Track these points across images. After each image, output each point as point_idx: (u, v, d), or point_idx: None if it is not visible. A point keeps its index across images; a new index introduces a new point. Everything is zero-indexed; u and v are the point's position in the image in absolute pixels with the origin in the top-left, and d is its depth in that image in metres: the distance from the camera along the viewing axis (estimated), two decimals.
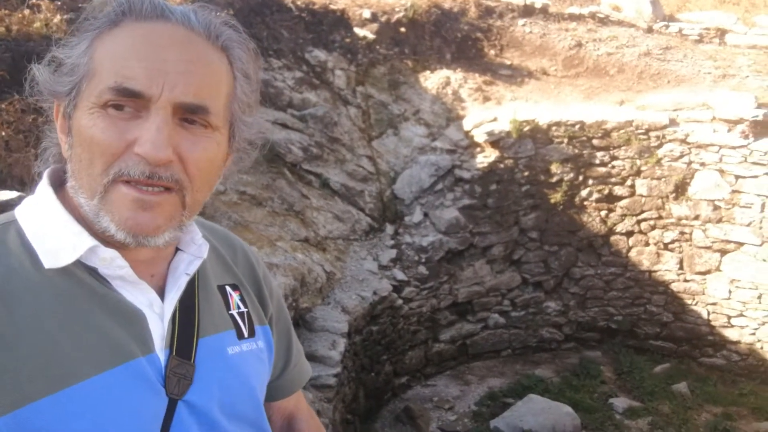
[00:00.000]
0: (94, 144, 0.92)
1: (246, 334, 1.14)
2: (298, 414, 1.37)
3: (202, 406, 1.02)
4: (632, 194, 7.25)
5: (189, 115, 0.95)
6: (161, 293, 1.04)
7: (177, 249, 1.08)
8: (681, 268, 7.25)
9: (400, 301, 6.25)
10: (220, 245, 1.22)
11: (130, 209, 0.93)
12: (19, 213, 1.01)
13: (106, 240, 0.97)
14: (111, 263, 0.97)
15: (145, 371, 0.97)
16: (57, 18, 4.84)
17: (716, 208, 7.01)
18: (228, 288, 1.17)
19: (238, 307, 1.16)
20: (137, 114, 0.92)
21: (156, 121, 0.91)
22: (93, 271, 0.98)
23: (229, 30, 1.01)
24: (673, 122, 7.08)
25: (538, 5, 8.84)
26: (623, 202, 7.25)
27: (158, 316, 1.02)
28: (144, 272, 1.03)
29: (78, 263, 0.97)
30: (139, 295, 1.01)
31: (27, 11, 4.85)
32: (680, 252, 7.24)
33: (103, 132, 0.91)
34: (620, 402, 6.34)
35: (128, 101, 0.92)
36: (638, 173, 7.18)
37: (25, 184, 3.47)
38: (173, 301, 1.04)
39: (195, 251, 1.08)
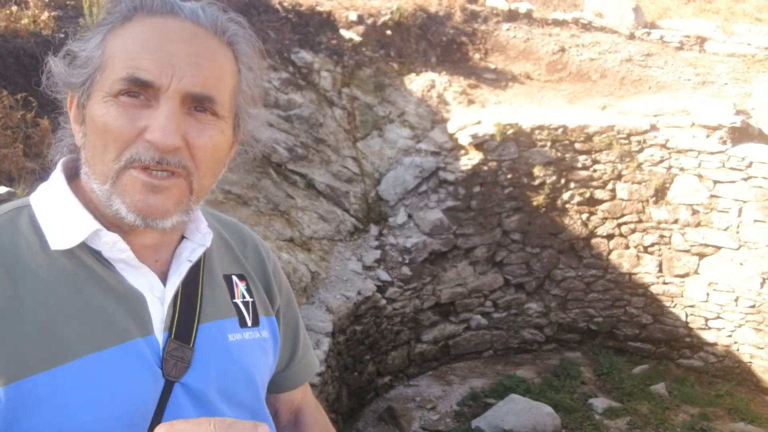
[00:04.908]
0: (107, 131, 0.97)
1: (249, 323, 1.17)
2: (305, 407, 1.39)
3: (199, 389, 1.05)
4: (613, 198, 7.34)
5: (196, 104, 1.00)
6: (164, 279, 1.08)
7: (183, 237, 1.12)
8: (660, 270, 7.36)
9: (383, 302, 6.29)
10: (231, 237, 1.26)
11: (140, 192, 0.97)
12: (33, 198, 1.07)
13: (117, 226, 1.02)
14: (113, 246, 1.02)
15: (142, 352, 1.00)
16: (45, 15, 4.83)
17: (695, 212, 7.11)
18: (234, 278, 1.20)
19: (243, 297, 1.19)
20: (148, 103, 0.97)
21: (165, 109, 0.96)
22: (97, 255, 1.02)
23: (235, 26, 1.06)
24: (653, 127, 7.18)
25: (522, 10, 8.93)
26: (604, 206, 7.34)
27: (159, 300, 1.06)
28: (149, 257, 1.07)
29: (83, 247, 1.01)
30: (140, 278, 1.05)
31: (14, 8, 4.83)
32: (659, 255, 7.35)
33: (116, 119, 0.96)
34: (599, 402, 6.42)
35: (140, 90, 0.97)
36: (619, 177, 7.27)
37: (14, 179, 3.47)
38: (174, 286, 1.08)
39: (199, 239, 1.12)
